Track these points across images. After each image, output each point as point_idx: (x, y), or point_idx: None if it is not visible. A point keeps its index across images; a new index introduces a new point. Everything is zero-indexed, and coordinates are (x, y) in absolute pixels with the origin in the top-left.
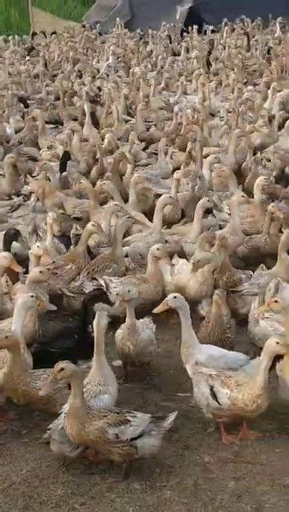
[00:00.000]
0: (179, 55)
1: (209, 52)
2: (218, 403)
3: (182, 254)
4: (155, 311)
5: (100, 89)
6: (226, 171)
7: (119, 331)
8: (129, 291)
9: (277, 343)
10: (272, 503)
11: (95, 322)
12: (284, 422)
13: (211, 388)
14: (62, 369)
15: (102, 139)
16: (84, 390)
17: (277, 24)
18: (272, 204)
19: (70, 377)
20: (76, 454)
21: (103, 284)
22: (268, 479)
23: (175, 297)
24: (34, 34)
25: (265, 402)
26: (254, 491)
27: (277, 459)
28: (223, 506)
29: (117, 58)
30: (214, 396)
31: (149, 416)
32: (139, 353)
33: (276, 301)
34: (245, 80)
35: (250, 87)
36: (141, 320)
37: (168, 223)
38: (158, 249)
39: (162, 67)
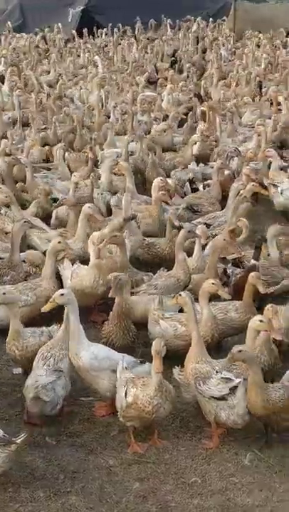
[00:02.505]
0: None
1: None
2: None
3: None
4: (43, 309)
5: None
6: (122, 164)
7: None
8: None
9: None
10: (177, 502)
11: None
12: (187, 420)
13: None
14: None
15: None
16: (50, 354)
17: (168, 25)
18: (171, 211)
19: None
20: (56, 412)
21: None
22: (172, 478)
23: (62, 294)
24: None
25: (164, 404)
26: (159, 490)
27: (182, 457)
28: (128, 508)
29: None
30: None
31: (2, 434)
32: (27, 358)
33: (180, 295)
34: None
35: (147, 93)
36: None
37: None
38: (59, 242)
39: (55, 70)
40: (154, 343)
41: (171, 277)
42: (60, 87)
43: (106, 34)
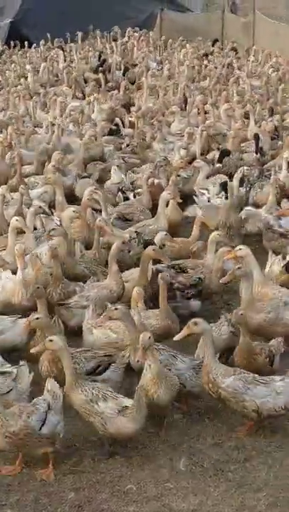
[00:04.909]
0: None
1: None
2: None
3: None
4: None
5: None
6: (52, 177)
7: None
8: None
9: None
10: (113, 510)
11: None
12: None
13: None
14: None
15: None
16: None
17: (98, 37)
18: (98, 218)
19: None
20: None
21: None
22: (107, 487)
23: None
24: None
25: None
26: (94, 499)
27: (117, 465)
28: None
29: None
30: None
31: None
32: None
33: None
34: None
35: (74, 104)
36: None
37: None
38: None
39: None
40: None
41: (103, 289)
42: None
43: (34, 46)
